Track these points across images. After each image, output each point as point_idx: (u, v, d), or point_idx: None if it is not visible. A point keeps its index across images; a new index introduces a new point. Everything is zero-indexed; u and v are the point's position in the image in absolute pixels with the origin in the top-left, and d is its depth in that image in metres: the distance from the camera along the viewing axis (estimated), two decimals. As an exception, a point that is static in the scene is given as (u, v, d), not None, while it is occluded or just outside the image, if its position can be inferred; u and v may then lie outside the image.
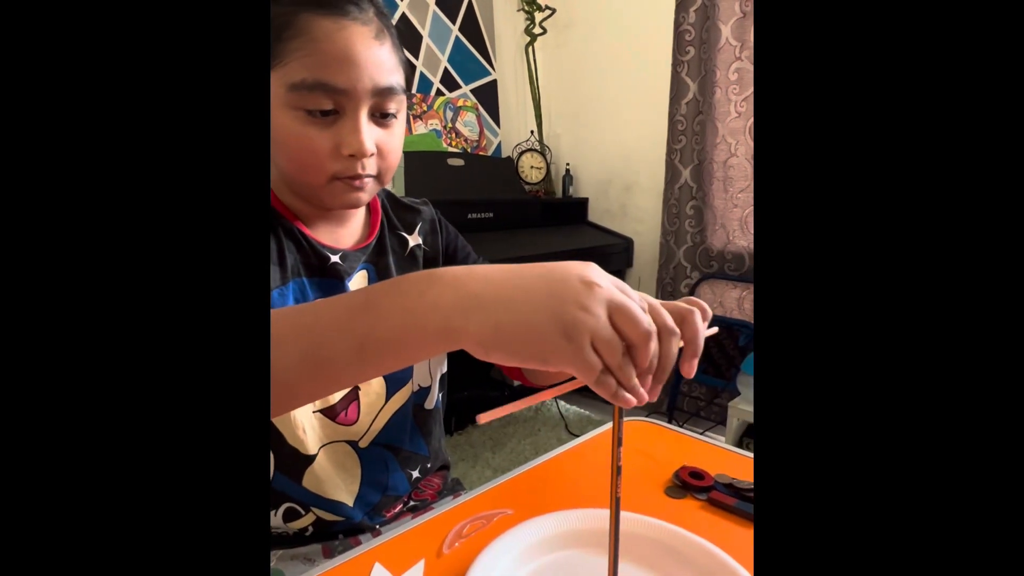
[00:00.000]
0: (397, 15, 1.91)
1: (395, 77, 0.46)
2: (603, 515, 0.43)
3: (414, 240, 0.58)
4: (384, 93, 0.45)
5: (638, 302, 0.31)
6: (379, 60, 0.44)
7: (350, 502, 0.53)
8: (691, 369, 0.34)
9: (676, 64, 1.82)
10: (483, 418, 0.33)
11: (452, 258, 0.61)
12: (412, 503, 0.60)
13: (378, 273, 0.55)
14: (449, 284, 0.30)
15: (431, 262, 0.60)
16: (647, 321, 0.29)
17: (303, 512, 0.52)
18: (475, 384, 1.98)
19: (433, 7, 2.01)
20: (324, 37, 0.42)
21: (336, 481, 0.52)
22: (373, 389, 0.54)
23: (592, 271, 0.30)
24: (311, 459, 0.51)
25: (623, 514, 0.42)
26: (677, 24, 1.80)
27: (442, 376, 0.61)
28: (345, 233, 0.54)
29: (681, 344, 0.34)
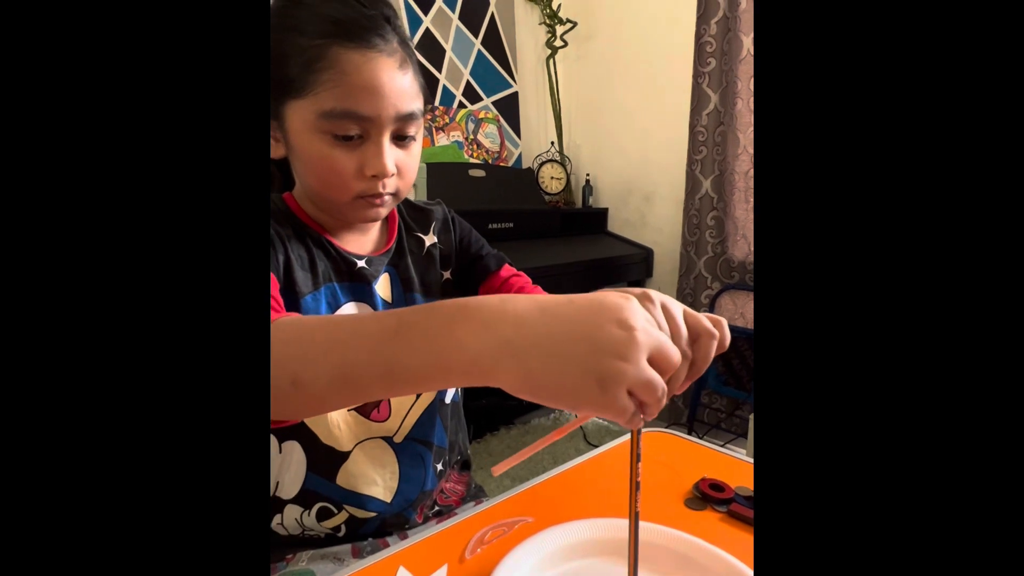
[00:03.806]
0: (421, 30, 1.96)
1: (416, 103, 0.49)
2: (623, 525, 0.44)
3: (430, 240, 0.62)
4: (406, 118, 0.49)
5: (662, 323, 0.31)
6: (402, 88, 0.47)
7: (387, 497, 0.55)
8: (681, 388, 0.33)
9: (697, 75, 1.83)
10: (498, 470, 0.33)
11: (466, 251, 0.64)
12: (437, 507, 0.62)
13: (399, 274, 0.58)
14: (480, 323, 0.28)
15: (446, 259, 0.63)
16: (677, 355, 0.29)
17: (336, 511, 0.54)
18: (493, 393, 1.99)
19: (456, 22, 2.05)
20: (353, 70, 0.45)
21: (371, 476, 0.55)
22: None
23: (630, 312, 0.28)
24: (345, 456, 0.53)
25: (642, 524, 0.43)
26: (698, 36, 1.81)
27: None
28: (367, 240, 0.58)
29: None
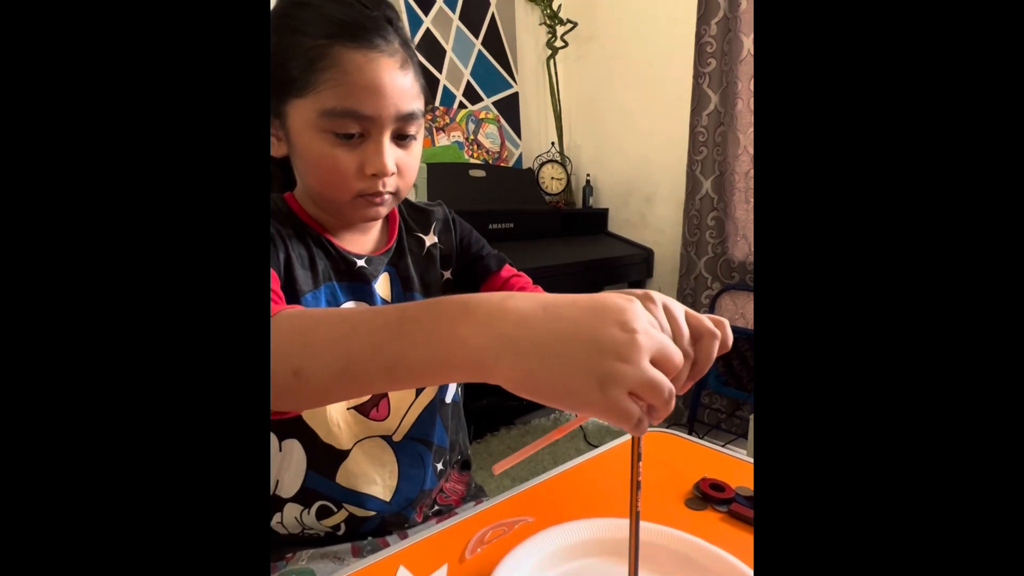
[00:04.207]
0: (422, 30, 1.96)
1: (416, 103, 0.50)
2: (623, 524, 0.44)
3: (430, 240, 0.62)
4: (406, 118, 0.49)
5: (664, 324, 0.30)
6: (403, 88, 0.48)
7: (386, 496, 0.55)
8: (683, 389, 0.33)
9: (697, 76, 1.83)
10: (499, 468, 0.33)
11: (467, 251, 0.65)
12: (437, 507, 0.62)
13: (399, 274, 0.59)
14: (482, 320, 0.28)
15: (447, 259, 0.63)
16: (680, 357, 0.29)
17: (335, 509, 0.54)
18: (493, 393, 1.99)
19: (457, 22, 2.06)
20: (355, 69, 0.46)
21: (370, 475, 0.55)
22: None
23: (633, 314, 0.28)
24: (345, 455, 0.54)
25: (643, 524, 0.43)
26: (698, 36, 1.81)
27: None
28: (367, 240, 0.58)
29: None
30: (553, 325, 0.28)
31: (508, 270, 0.64)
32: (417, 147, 0.53)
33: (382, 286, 0.57)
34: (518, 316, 0.28)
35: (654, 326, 0.29)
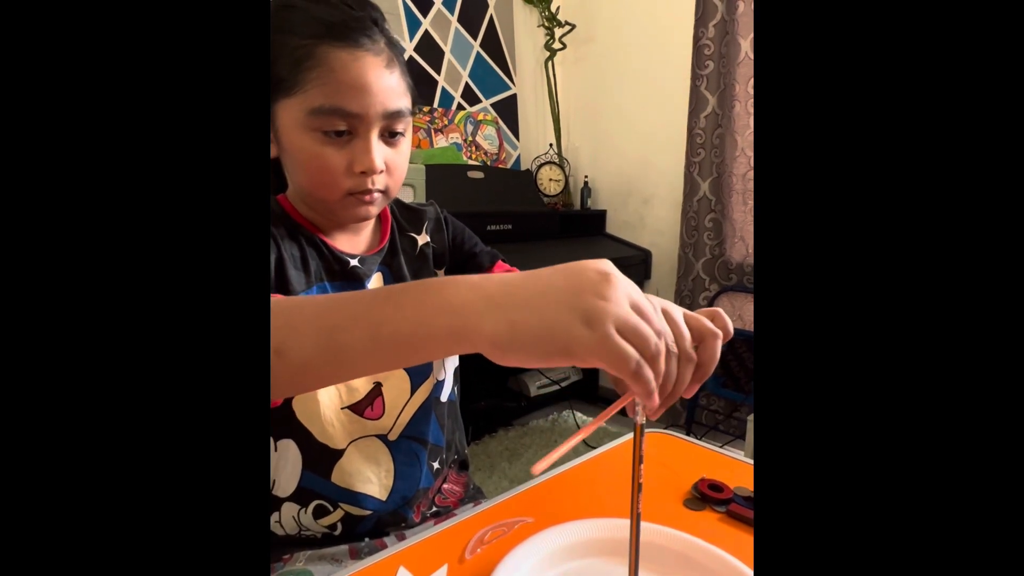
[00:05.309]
0: (420, 32, 1.96)
1: (403, 101, 0.50)
2: (623, 524, 0.44)
3: (423, 239, 0.62)
4: (393, 116, 0.50)
5: (664, 327, 0.30)
6: (389, 87, 0.49)
7: (383, 495, 0.55)
8: (691, 391, 0.33)
9: (695, 78, 1.83)
10: (538, 468, 0.33)
11: (459, 248, 0.65)
12: (435, 509, 0.62)
13: (392, 273, 0.59)
14: (466, 287, 0.30)
15: (439, 257, 0.63)
16: (655, 339, 0.29)
17: (332, 508, 0.54)
18: (491, 395, 1.99)
19: (455, 24, 2.06)
20: (341, 67, 0.46)
21: (366, 474, 0.55)
22: (396, 384, 0.57)
23: (608, 266, 0.30)
24: (339, 454, 0.54)
25: (642, 524, 0.43)
26: (696, 39, 1.81)
27: (455, 369, 0.64)
28: (360, 240, 0.58)
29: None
30: (533, 281, 0.30)
31: (501, 266, 0.65)
32: (406, 145, 0.53)
33: (375, 286, 0.57)
34: (501, 280, 0.31)
35: (633, 287, 0.30)
